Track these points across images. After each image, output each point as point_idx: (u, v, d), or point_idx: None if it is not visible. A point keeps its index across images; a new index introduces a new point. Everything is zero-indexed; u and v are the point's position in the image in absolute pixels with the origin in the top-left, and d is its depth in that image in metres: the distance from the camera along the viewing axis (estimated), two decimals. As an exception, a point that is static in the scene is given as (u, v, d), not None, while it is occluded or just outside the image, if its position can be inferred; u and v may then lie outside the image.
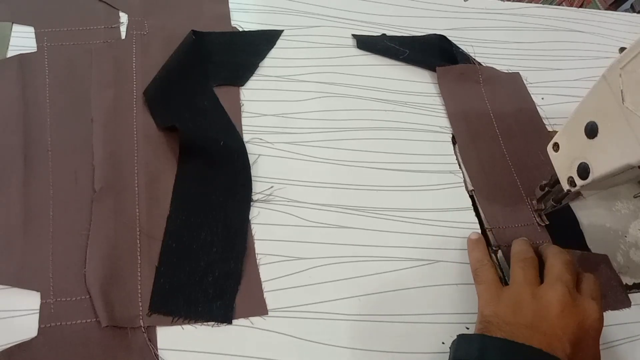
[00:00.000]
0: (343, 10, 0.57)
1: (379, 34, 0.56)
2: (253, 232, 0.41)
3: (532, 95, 0.55)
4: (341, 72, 0.52)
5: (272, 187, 0.43)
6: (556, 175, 0.41)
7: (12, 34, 0.46)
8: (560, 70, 0.58)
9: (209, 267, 0.38)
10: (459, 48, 0.57)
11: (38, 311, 0.34)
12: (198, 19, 0.51)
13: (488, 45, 0.58)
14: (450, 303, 0.41)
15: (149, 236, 0.39)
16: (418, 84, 0.53)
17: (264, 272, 0.39)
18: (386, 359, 0.38)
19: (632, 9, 1.00)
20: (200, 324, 0.36)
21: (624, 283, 0.45)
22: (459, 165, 0.49)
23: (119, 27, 0.48)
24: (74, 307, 0.35)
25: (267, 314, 0.38)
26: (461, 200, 0.46)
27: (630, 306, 0.43)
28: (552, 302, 0.34)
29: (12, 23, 0.46)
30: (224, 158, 0.43)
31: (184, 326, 0.36)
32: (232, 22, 0.52)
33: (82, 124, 0.42)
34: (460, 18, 0.60)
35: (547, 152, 0.41)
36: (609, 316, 0.42)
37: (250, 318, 0.37)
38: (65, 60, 0.45)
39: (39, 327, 0.34)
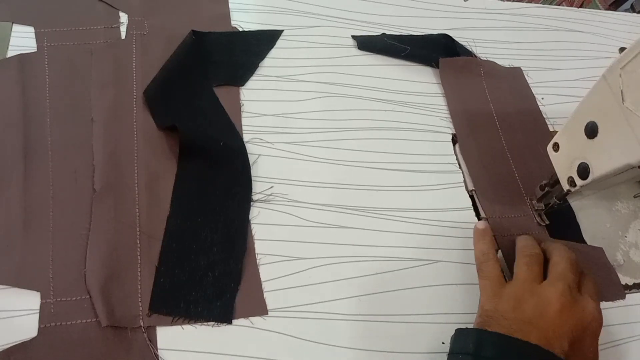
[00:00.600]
0: (343, 10, 0.57)
1: (379, 34, 0.56)
2: (253, 232, 0.41)
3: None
4: (341, 72, 0.52)
5: (272, 187, 0.43)
6: (556, 175, 0.41)
7: (12, 34, 0.46)
8: (560, 70, 0.58)
9: (209, 267, 0.38)
10: (463, 46, 0.57)
11: (38, 311, 0.34)
12: (198, 19, 0.51)
13: (488, 45, 0.58)
14: (450, 303, 0.41)
15: (149, 236, 0.39)
16: (418, 84, 0.53)
17: (264, 272, 0.39)
18: (386, 359, 0.38)
19: (632, 9, 1.00)
20: (200, 324, 0.36)
21: (624, 283, 0.45)
22: (459, 165, 0.49)
23: (119, 27, 0.48)
24: (74, 307, 0.35)
25: (267, 314, 0.38)
26: (461, 200, 0.46)
27: (624, 298, 0.44)
28: (552, 299, 0.34)
29: (12, 23, 0.46)
30: (224, 158, 0.43)
31: (184, 326, 0.36)
32: (232, 22, 0.52)
33: (82, 124, 0.42)
34: (460, 18, 0.60)
35: (546, 146, 0.41)
36: (612, 316, 0.43)
37: (250, 318, 0.37)
38: (65, 60, 0.45)
39: (39, 327, 0.34)
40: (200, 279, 0.38)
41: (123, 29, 0.48)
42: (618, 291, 0.44)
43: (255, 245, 0.40)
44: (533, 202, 0.46)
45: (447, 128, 0.51)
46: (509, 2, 0.63)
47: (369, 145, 0.48)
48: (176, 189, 0.41)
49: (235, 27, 0.52)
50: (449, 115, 0.51)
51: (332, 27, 0.55)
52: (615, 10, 0.97)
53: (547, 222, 0.46)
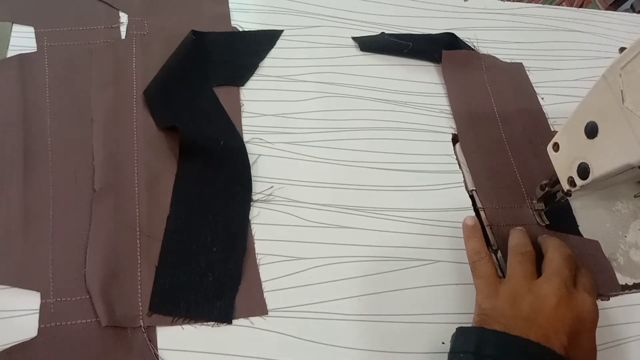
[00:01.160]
0: (343, 10, 0.56)
1: (379, 33, 0.56)
2: (253, 232, 0.41)
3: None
4: (341, 72, 0.52)
5: (272, 187, 0.43)
6: (556, 175, 0.41)
7: (12, 34, 0.46)
8: (560, 70, 0.58)
9: (209, 267, 0.38)
10: (466, 44, 0.57)
11: (38, 311, 0.34)
12: (198, 19, 0.51)
13: (488, 45, 0.58)
14: (450, 303, 0.41)
15: (149, 236, 0.39)
16: (418, 84, 0.53)
17: (264, 272, 0.39)
18: (386, 359, 0.38)
19: (632, 9, 1.00)
20: (200, 324, 0.36)
21: (624, 283, 0.45)
22: (459, 165, 0.49)
23: (119, 27, 0.48)
24: (74, 307, 0.35)
25: (267, 314, 0.38)
26: (461, 200, 0.46)
27: (619, 290, 0.44)
28: (548, 295, 0.35)
29: (12, 23, 0.46)
30: (224, 158, 0.43)
31: (184, 326, 0.36)
32: (232, 22, 0.52)
33: (82, 124, 0.42)
34: (460, 18, 0.60)
35: (546, 142, 0.41)
36: (612, 315, 0.43)
37: (250, 318, 0.37)
38: (65, 60, 0.45)
39: (39, 327, 0.34)
40: (200, 279, 0.38)
41: (123, 29, 0.48)
42: (613, 284, 0.44)
43: (255, 245, 0.40)
44: (533, 202, 0.46)
45: (447, 128, 0.51)
46: (509, 2, 0.63)
47: (369, 145, 0.48)
48: (176, 189, 0.41)
49: (235, 27, 0.52)
50: (449, 115, 0.51)
51: (332, 27, 0.55)
52: (615, 10, 0.97)
53: (547, 222, 0.46)
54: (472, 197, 0.47)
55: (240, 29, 0.52)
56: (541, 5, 0.66)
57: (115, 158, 0.41)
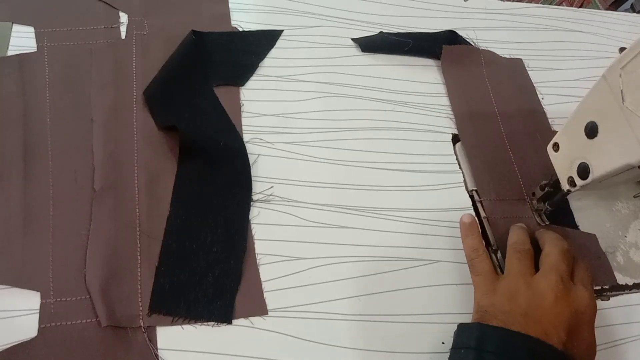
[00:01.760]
0: (343, 10, 0.56)
1: (378, 33, 0.56)
2: (253, 232, 0.41)
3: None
4: (341, 72, 0.52)
5: (272, 187, 0.43)
6: (556, 175, 0.41)
7: (12, 34, 0.46)
8: (560, 70, 0.58)
9: (209, 267, 0.38)
10: (467, 42, 0.57)
11: (38, 311, 0.34)
12: (198, 19, 0.51)
13: (488, 46, 0.57)
14: (450, 303, 0.41)
15: (149, 236, 0.39)
16: (418, 84, 0.53)
17: (264, 272, 0.39)
18: (386, 359, 0.38)
19: (632, 9, 1.00)
20: (200, 324, 0.36)
21: (624, 283, 0.45)
22: (459, 165, 0.49)
23: (119, 27, 0.48)
24: (74, 307, 0.35)
25: (267, 314, 0.38)
26: (461, 200, 0.46)
27: (615, 282, 0.44)
28: (546, 291, 0.35)
29: (12, 23, 0.46)
30: (224, 158, 0.43)
31: (184, 326, 0.36)
32: (232, 22, 0.52)
33: (82, 124, 0.42)
34: (460, 18, 0.60)
35: (546, 137, 0.41)
36: (612, 315, 0.43)
37: (250, 318, 0.37)
38: (65, 60, 0.45)
39: (39, 327, 0.34)
40: (200, 279, 0.38)
41: (123, 29, 0.48)
42: (609, 277, 0.44)
43: (255, 245, 0.40)
44: (533, 202, 0.46)
45: (447, 128, 0.51)
46: (509, 2, 0.63)
47: (369, 145, 0.48)
48: (176, 189, 0.41)
49: (235, 27, 0.52)
50: (449, 115, 0.51)
51: (332, 27, 0.55)
52: (615, 10, 0.97)
53: (547, 223, 0.46)
54: (472, 197, 0.47)
55: (240, 29, 0.52)
56: (541, 5, 0.66)
57: (115, 158, 0.41)
